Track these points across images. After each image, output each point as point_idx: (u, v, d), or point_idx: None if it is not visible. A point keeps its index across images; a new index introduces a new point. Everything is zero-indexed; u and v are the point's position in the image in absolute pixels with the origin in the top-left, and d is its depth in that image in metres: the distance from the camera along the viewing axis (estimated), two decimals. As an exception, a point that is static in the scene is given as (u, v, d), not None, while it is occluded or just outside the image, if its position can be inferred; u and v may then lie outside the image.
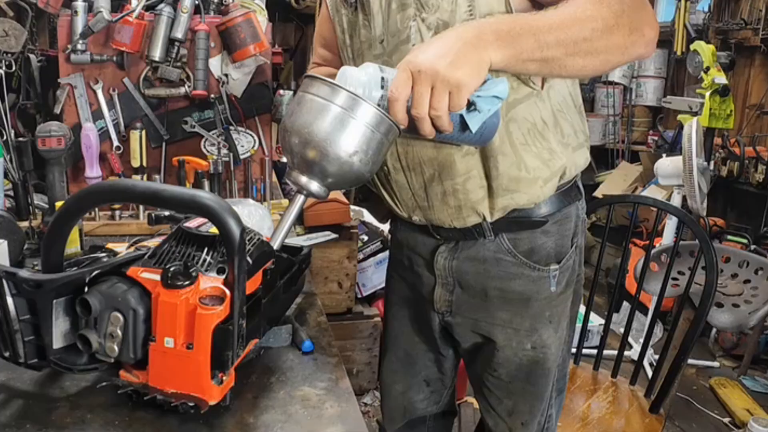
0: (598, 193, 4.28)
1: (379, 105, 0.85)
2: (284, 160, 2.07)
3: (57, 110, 1.73)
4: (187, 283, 0.78)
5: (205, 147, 1.82)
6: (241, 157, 1.84)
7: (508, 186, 1.07)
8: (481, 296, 1.17)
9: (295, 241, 1.25)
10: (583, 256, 1.24)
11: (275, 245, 0.92)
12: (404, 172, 1.14)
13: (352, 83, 0.87)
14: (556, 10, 0.88)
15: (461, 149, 1.06)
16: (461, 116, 0.87)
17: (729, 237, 3.46)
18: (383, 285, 2.19)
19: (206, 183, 1.76)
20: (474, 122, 0.88)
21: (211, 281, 0.80)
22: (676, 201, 2.87)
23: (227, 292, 0.79)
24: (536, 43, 0.85)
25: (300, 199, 0.93)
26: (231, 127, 1.82)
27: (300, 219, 2.21)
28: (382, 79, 0.88)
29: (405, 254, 1.27)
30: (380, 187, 1.22)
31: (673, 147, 3.93)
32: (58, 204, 1.19)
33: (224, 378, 0.80)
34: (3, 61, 1.77)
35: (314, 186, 0.89)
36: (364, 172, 0.89)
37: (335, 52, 1.22)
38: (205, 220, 0.86)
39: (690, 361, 2.95)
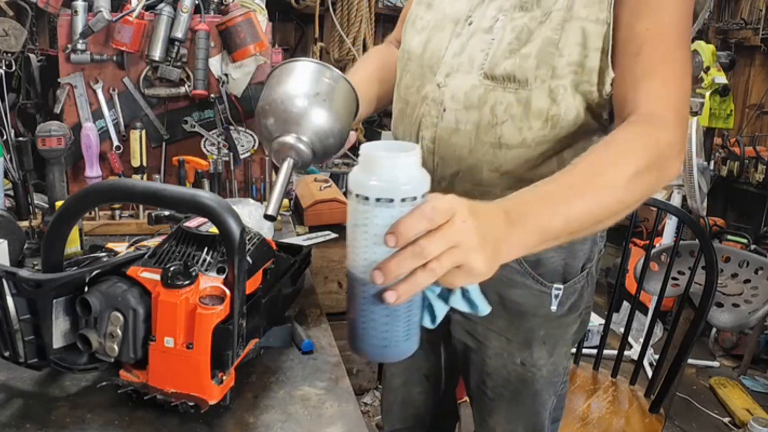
0: (598, 193, 4.27)
1: (403, 199, 0.66)
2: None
3: (57, 110, 1.73)
4: (187, 282, 0.78)
5: (205, 147, 1.82)
6: (241, 156, 1.84)
7: None
8: None
9: (295, 241, 1.25)
10: (594, 287, 1.18)
11: (270, 211, 0.92)
12: (434, 157, 1.10)
13: (408, 176, 0.68)
14: (595, 176, 0.79)
15: (498, 168, 1.04)
16: (427, 297, 0.71)
17: (729, 237, 3.47)
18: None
19: (206, 183, 1.76)
20: (439, 311, 0.72)
21: (211, 281, 0.80)
22: (676, 201, 2.87)
23: (227, 291, 0.79)
24: (566, 225, 0.76)
25: (288, 163, 0.97)
26: (231, 127, 1.82)
27: (300, 219, 2.21)
28: (427, 194, 0.69)
29: None
30: None
31: (673, 147, 3.92)
32: (58, 204, 1.19)
33: (224, 378, 0.80)
34: (3, 61, 1.77)
35: (302, 144, 0.98)
36: (331, 116, 1.00)
37: None
38: (205, 219, 0.86)
39: (690, 360, 2.95)
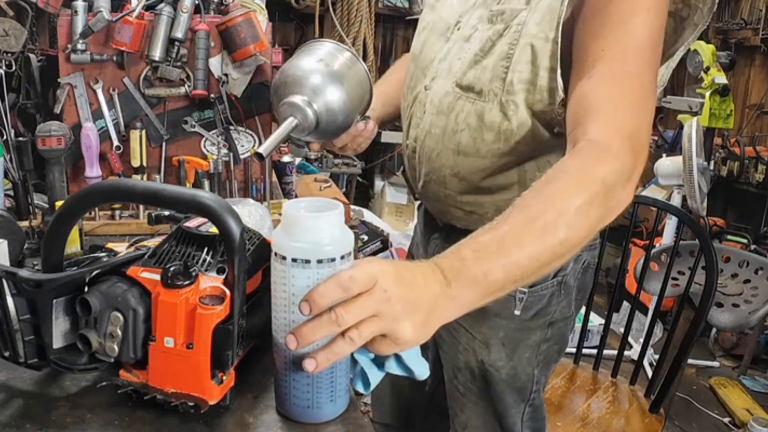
0: (598, 193, 4.27)
1: (319, 261, 0.65)
2: (284, 159, 2.08)
3: (57, 110, 1.73)
4: (187, 282, 0.78)
5: (205, 147, 1.82)
6: (241, 156, 1.84)
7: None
8: None
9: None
10: (573, 298, 1.15)
11: (261, 150, 1.00)
12: (416, 155, 1.14)
13: (328, 237, 0.67)
14: (534, 219, 0.73)
15: (457, 174, 1.06)
16: (359, 362, 0.68)
17: (729, 237, 3.47)
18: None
19: (206, 183, 1.76)
20: (373, 377, 0.68)
21: (211, 281, 0.80)
22: (676, 201, 2.87)
23: (227, 291, 0.79)
24: (507, 276, 0.71)
25: (290, 121, 1.02)
26: (231, 127, 1.82)
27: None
28: (348, 255, 0.68)
29: (416, 234, 1.30)
30: (403, 155, 1.23)
31: (673, 147, 3.93)
32: (58, 204, 1.19)
33: (224, 378, 0.80)
34: (3, 61, 1.77)
35: (309, 108, 1.03)
36: (341, 91, 1.05)
37: None
38: (205, 219, 0.86)
39: (690, 361, 2.95)
